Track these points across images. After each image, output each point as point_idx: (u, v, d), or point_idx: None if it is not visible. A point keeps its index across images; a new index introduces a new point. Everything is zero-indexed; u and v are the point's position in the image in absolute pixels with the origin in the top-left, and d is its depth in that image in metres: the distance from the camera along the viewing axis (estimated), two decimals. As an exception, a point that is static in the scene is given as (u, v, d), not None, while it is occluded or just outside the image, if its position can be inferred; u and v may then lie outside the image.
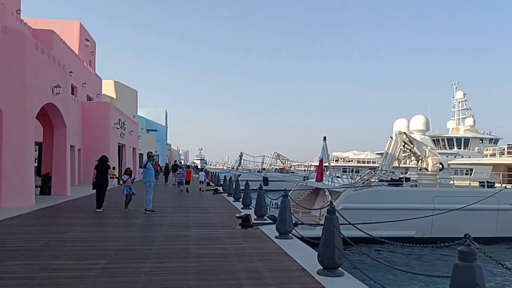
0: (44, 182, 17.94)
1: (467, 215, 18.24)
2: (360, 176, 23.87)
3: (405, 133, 24.53)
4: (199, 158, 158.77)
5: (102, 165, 13.12)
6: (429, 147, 24.94)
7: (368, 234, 5.80)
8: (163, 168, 33.11)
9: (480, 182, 22.25)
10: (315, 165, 43.69)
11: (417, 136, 31.77)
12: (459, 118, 43.00)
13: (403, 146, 23.57)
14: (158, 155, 58.27)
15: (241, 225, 9.38)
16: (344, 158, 61.85)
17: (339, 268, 5.40)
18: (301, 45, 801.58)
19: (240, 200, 14.94)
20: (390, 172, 22.87)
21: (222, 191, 21.43)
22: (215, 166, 79.04)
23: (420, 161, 24.36)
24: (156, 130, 71.63)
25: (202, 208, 14.19)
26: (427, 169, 23.50)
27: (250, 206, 13.22)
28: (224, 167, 78.20)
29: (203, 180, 25.46)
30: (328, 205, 5.66)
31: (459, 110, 43.15)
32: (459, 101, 43.21)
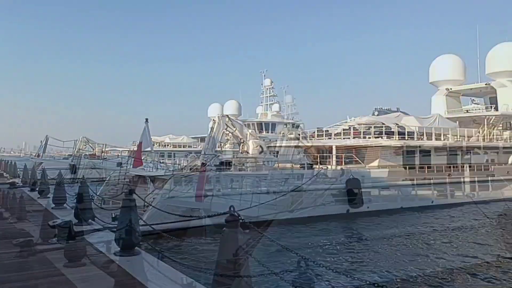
0: None
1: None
2: (188, 161, 22.69)
3: (227, 116, 24.40)
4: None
5: None
6: (250, 131, 25.47)
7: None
8: None
9: (300, 164, 23.64)
10: (135, 150, 40.62)
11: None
12: (267, 104, 45.71)
13: (226, 129, 23.37)
14: None
15: (57, 238, 6.66)
16: (160, 143, 59.80)
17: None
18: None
19: (49, 196, 11.78)
20: (213, 156, 22.37)
21: (21, 184, 17.34)
22: (10, 153, 66.20)
23: (241, 144, 24.61)
24: None
25: (-9, 212, 10.46)
26: (248, 152, 23.86)
27: (65, 205, 10.31)
28: (22, 154, 66.23)
29: None
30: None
31: (267, 96, 45.80)
32: (267, 88, 45.77)
